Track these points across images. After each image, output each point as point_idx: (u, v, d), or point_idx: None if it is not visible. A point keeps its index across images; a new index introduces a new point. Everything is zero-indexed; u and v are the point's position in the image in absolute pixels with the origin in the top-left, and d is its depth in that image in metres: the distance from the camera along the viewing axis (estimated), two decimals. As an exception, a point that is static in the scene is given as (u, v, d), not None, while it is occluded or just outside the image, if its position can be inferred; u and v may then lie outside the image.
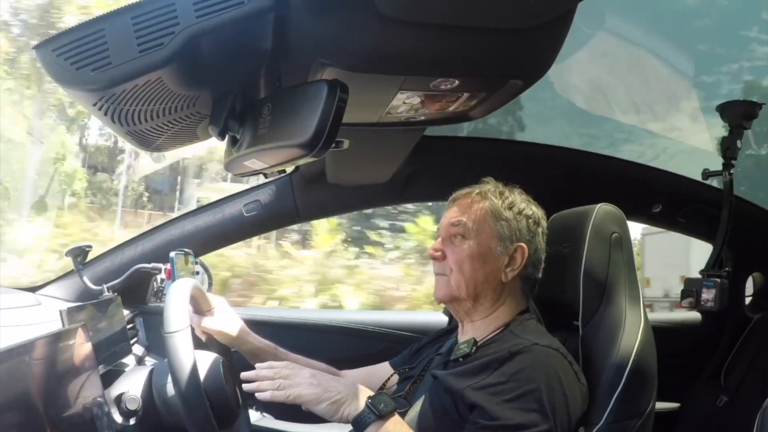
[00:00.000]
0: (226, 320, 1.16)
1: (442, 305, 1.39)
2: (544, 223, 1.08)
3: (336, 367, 1.26)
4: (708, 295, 1.65)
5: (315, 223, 4.80)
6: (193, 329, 1.04)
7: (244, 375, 0.91)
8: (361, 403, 0.88)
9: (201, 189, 9.19)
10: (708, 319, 2.04)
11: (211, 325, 1.13)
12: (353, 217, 5.40)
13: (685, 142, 1.97)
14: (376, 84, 0.83)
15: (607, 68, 1.70)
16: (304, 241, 5.69)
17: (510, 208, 1.04)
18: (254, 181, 1.73)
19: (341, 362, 1.28)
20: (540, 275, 1.07)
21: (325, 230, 4.79)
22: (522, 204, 1.05)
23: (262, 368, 0.91)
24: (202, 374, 0.94)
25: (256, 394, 0.88)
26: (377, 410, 0.86)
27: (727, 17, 1.48)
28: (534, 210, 1.06)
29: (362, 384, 1.19)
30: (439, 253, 1.05)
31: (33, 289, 1.49)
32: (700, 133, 1.87)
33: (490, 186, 1.08)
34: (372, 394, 0.90)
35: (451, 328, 1.19)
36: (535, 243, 1.04)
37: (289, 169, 1.56)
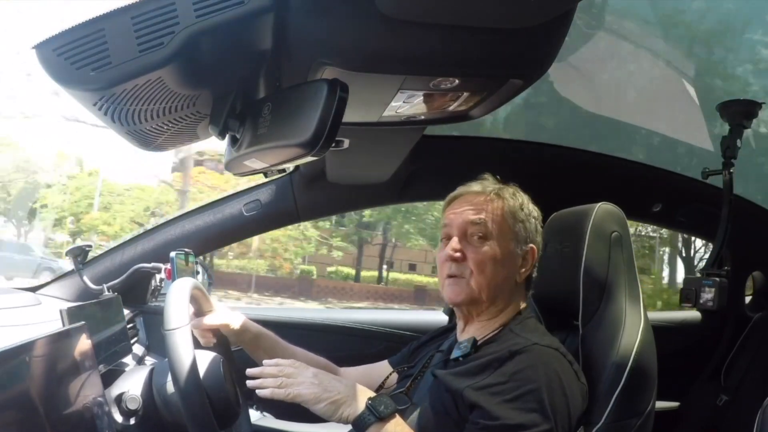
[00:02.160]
0: (228, 314, 1.16)
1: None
2: (541, 221, 1.08)
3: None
4: (708, 294, 1.65)
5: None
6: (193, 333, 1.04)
7: (249, 371, 0.91)
8: (361, 404, 0.88)
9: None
10: (708, 319, 2.04)
11: (214, 321, 1.13)
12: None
13: (689, 142, 1.97)
14: (376, 84, 0.83)
15: (608, 68, 1.70)
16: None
17: (522, 209, 1.03)
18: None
19: (341, 362, 1.29)
20: (536, 272, 1.07)
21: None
22: (530, 204, 1.05)
23: (268, 364, 0.91)
24: (202, 373, 0.94)
25: (257, 391, 0.88)
26: (377, 412, 0.86)
27: (731, 20, 1.48)
28: (536, 209, 1.07)
29: (361, 381, 1.20)
30: (459, 254, 1.00)
31: (33, 289, 1.49)
32: (704, 134, 1.87)
33: (494, 184, 1.06)
34: (372, 395, 0.90)
35: (451, 326, 1.19)
36: (539, 242, 1.05)
37: (289, 168, 1.56)
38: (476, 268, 0.99)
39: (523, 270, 1.02)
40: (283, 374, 0.89)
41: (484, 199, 1.03)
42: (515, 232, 1.01)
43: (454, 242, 1.00)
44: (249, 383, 0.90)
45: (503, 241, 1.00)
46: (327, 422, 0.92)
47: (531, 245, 1.03)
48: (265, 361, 0.92)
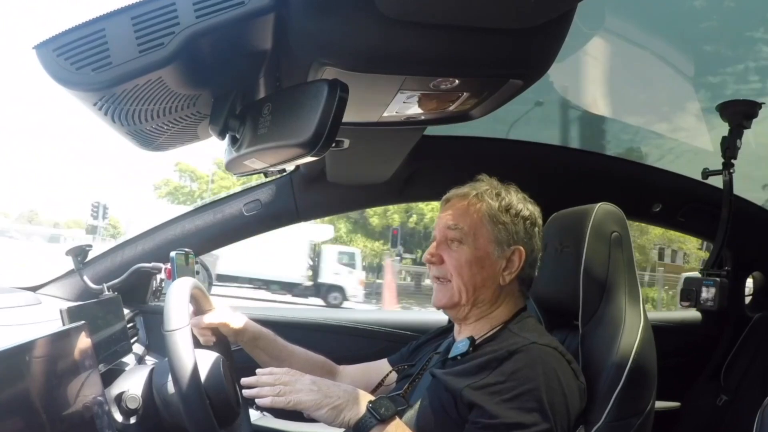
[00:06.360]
0: (227, 313, 1.16)
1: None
2: (540, 222, 1.06)
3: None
4: (708, 294, 1.65)
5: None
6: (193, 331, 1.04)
7: (244, 381, 0.91)
8: (362, 408, 0.88)
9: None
10: (708, 319, 2.04)
11: (213, 319, 1.14)
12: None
13: (690, 142, 1.97)
14: (376, 84, 0.83)
15: (609, 68, 1.70)
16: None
17: (507, 210, 1.02)
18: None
19: (341, 361, 1.29)
20: (536, 273, 1.06)
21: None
22: (519, 205, 1.04)
23: (262, 374, 0.91)
24: (202, 373, 0.95)
25: (256, 400, 0.88)
26: (378, 415, 0.86)
27: (732, 18, 1.48)
28: (530, 210, 1.05)
29: (360, 379, 1.20)
30: (435, 258, 1.03)
31: (33, 289, 1.49)
32: (705, 134, 1.87)
33: (485, 186, 1.06)
34: (372, 398, 0.90)
35: (450, 326, 1.19)
36: (532, 244, 1.03)
37: (290, 168, 1.56)
38: (454, 271, 1.01)
39: (508, 272, 1.01)
40: (279, 382, 0.89)
41: (466, 203, 1.04)
42: (494, 235, 1.01)
43: (432, 246, 1.05)
44: (246, 392, 0.89)
45: (480, 244, 1.01)
46: None
47: (516, 247, 1.01)
48: (258, 370, 0.91)
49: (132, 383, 1.01)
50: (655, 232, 15.08)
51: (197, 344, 1.06)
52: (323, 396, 0.88)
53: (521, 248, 1.01)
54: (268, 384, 0.89)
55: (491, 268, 1.01)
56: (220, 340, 1.18)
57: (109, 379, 1.03)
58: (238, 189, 1.71)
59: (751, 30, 1.51)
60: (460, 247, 1.01)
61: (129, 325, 1.41)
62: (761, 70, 1.62)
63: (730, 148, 1.62)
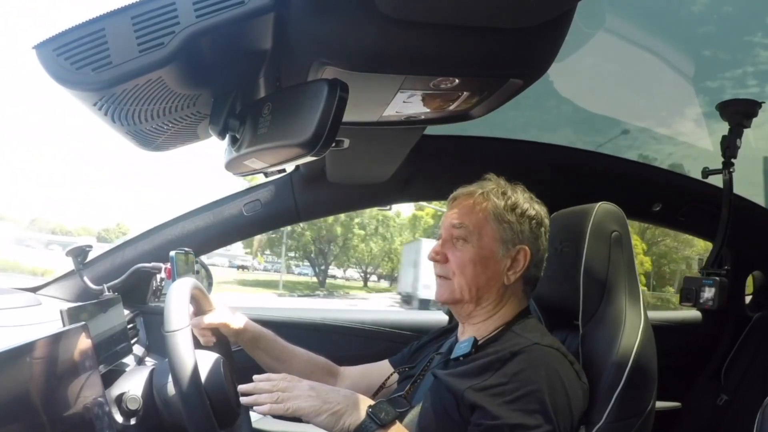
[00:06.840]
0: (227, 314, 1.16)
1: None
2: (546, 222, 1.06)
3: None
4: (708, 293, 1.65)
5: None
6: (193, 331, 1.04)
7: (241, 388, 0.90)
8: (362, 413, 0.87)
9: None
10: (708, 318, 2.04)
11: (213, 320, 1.13)
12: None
13: (690, 146, 1.98)
14: (376, 83, 0.83)
15: (608, 69, 1.70)
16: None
17: (513, 209, 1.02)
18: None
19: (341, 362, 1.28)
20: (541, 274, 1.06)
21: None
22: (525, 204, 1.03)
23: (259, 380, 0.90)
24: (202, 374, 0.94)
25: (254, 408, 0.87)
26: (379, 419, 0.86)
27: (731, 23, 1.48)
28: (537, 209, 1.04)
29: (360, 381, 1.19)
30: (439, 256, 1.03)
31: (33, 289, 1.49)
32: (705, 138, 1.88)
33: (492, 185, 1.06)
34: (372, 402, 0.90)
35: (452, 327, 1.19)
36: (538, 244, 1.03)
37: (289, 168, 1.56)
38: (457, 269, 1.01)
39: (512, 272, 1.01)
40: (277, 388, 0.88)
41: (472, 201, 1.04)
42: (499, 234, 1.01)
43: (437, 245, 1.05)
44: (243, 400, 0.89)
45: (485, 243, 1.00)
46: None
47: (522, 246, 1.01)
48: (255, 377, 0.91)
49: (132, 384, 1.01)
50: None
51: (197, 345, 1.06)
52: (322, 402, 0.87)
53: (526, 248, 1.01)
54: (265, 391, 0.88)
55: (495, 267, 1.00)
56: (221, 340, 1.18)
57: (109, 380, 1.03)
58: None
59: (749, 34, 1.52)
60: (465, 245, 1.01)
61: (129, 326, 1.41)
62: (759, 75, 1.63)
63: (730, 147, 1.62)
